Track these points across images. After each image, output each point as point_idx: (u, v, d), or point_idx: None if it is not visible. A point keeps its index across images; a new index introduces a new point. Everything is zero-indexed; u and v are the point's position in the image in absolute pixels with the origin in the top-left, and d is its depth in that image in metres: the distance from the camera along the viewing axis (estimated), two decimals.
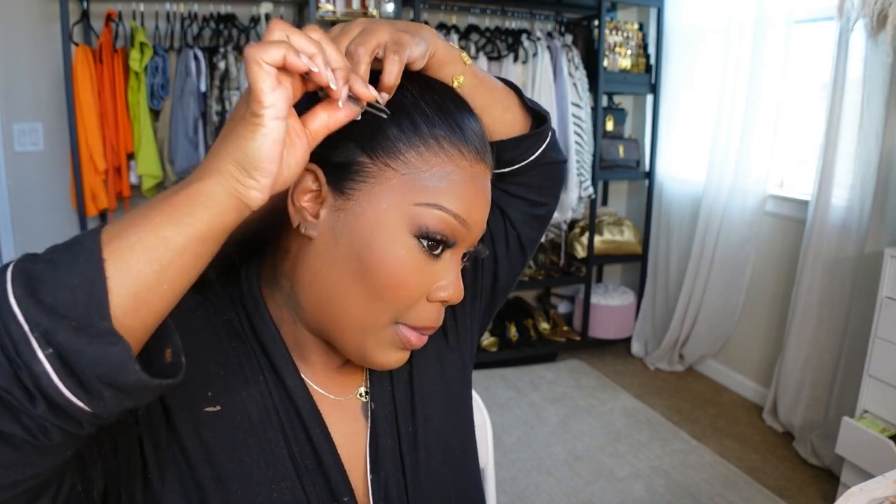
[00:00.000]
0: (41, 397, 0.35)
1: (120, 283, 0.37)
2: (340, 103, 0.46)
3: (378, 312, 0.53)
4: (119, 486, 0.49)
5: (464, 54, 0.59)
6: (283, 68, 0.42)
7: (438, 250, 0.53)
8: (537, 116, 0.68)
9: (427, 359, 0.68)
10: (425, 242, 0.52)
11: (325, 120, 0.47)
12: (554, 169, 0.70)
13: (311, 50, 0.43)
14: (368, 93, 0.47)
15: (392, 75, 0.50)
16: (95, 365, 0.35)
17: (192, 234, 0.40)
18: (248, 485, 0.53)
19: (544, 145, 0.67)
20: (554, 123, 2.88)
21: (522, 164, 0.67)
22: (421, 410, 0.65)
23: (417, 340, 0.56)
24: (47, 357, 0.34)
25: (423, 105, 0.53)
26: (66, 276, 0.36)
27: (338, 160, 0.52)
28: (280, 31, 0.42)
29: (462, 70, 0.58)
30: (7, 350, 0.34)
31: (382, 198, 0.52)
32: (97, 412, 0.36)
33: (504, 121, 0.64)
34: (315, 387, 0.60)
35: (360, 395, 0.63)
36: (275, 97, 0.42)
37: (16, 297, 0.35)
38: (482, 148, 0.56)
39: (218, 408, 0.53)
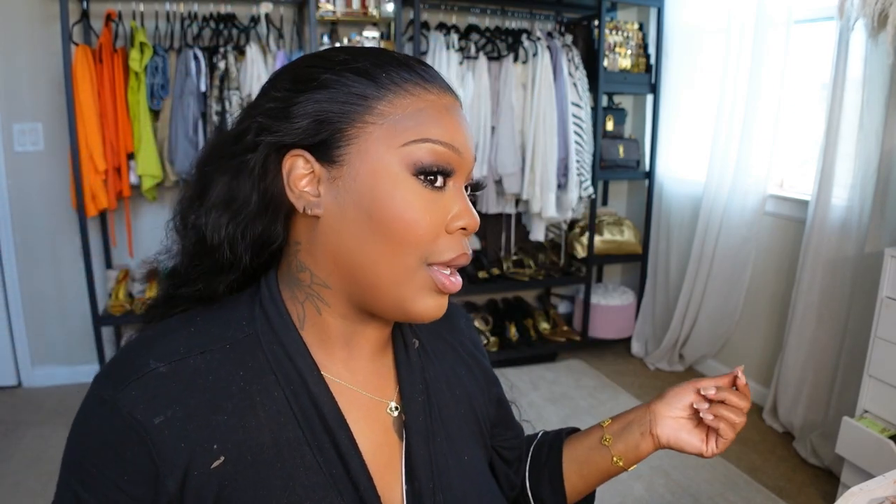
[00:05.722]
0: None
1: None
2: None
3: (405, 258, 0.54)
4: None
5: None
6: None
7: (440, 182, 0.55)
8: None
9: (443, 383, 0.69)
10: (425, 177, 0.54)
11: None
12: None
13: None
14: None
15: None
16: None
17: None
18: None
19: None
20: (554, 123, 2.86)
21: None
22: (442, 428, 0.65)
23: (451, 284, 0.56)
24: None
25: (371, 62, 0.56)
26: None
27: (319, 139, 0.54)
28: None
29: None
30: None
31: (372, 151, 0.53)
32: None
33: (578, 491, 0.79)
34: (339, 381, 0.59)
35: (391, 409, 0.62)
36: None
37: None
38: (444, 82, 0.58)
39: (222, 458, 0.52)
